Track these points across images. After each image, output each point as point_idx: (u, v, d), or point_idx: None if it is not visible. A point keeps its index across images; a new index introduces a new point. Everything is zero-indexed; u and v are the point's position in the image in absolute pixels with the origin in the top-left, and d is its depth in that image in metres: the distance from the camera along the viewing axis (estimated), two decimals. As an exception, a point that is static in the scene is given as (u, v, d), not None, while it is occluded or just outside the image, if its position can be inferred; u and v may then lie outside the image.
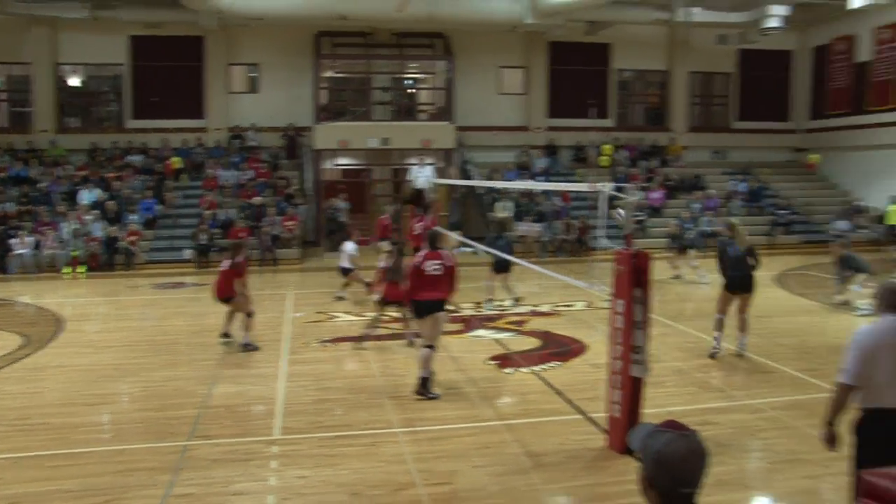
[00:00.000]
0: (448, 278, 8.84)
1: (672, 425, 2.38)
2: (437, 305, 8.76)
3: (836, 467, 6.03)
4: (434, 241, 9.14)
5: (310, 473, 6.44)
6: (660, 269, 15.56)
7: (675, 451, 2.29)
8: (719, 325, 10.33)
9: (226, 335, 11.32)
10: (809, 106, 29.40)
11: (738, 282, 10.15)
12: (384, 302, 11.29)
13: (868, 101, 26.14)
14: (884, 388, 4.42)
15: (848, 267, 13.75)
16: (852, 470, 4.46)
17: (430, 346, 8.72)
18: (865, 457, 4.37)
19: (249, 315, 11.16)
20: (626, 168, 26.32)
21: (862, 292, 13.19)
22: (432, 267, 8.80)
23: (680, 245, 17.95)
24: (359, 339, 11.24)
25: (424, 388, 8.60)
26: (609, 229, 16.49)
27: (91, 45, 24.94)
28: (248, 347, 11.00)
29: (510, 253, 13.81)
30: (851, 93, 27.07)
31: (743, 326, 10.28)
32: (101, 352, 11.15)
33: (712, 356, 10.20)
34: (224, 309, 11.44)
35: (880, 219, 24.52)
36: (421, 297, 8.78)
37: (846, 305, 13.68)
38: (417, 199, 17.25)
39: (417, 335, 10.63)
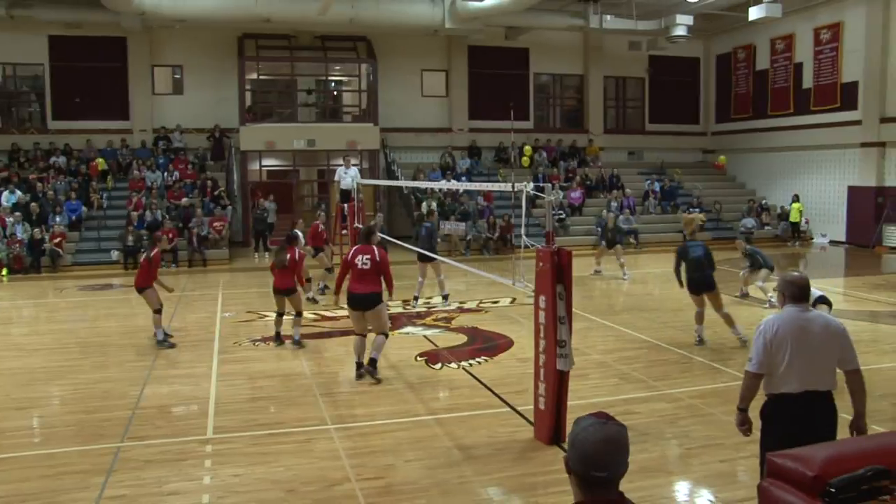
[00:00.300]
0: (376, 273, 8.97)
1: (599, 415, 2.45)
2: (369, 298, 8.94)
3: (749, 450, 6.26)
4: (368, 237, 9.29)
5: (244, 471, 6.35)
6: (582, 266, 15.85)
7: (591, 435, 2.36)
8: (699, 318, 10.69)
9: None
10: (715, 110, 30.38)
11: (701, 282, 10.45)
12: (275, 291, 11.12)
13: (769, 107, 27.16)
14: (787, 375, 4.59)
15: (754, 262, 14.22)
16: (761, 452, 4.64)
17: (384, 334, 9.13)
18: (772, 439, 4.54)
19: (156, 312, 11.16)
20: (546, 168, 26.71)
21: (765, 286, 13.71)
22: (361, 261, 8.96)
23: (609, 239, 17.85)
24: (276, 338, 11.07)
25: (373, 367, 8.98)
26: (531, 227, 16.72)
27: (8, 45, 23.93)
28: (163, 343, 11.00)
29: (432, 238, 13.86)
30: (753, 98, 28.09)
31: (729, 321, 10.53)
32: (29, 355, 10.78)
33: (698, 343, 10.61)
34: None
35: (781, 216, 25.53)
36: (351, 290, 9.02)
37: (747, 297, 14.17)
38: (346, 198, 17.21)
39: (301, 339, 10.85)
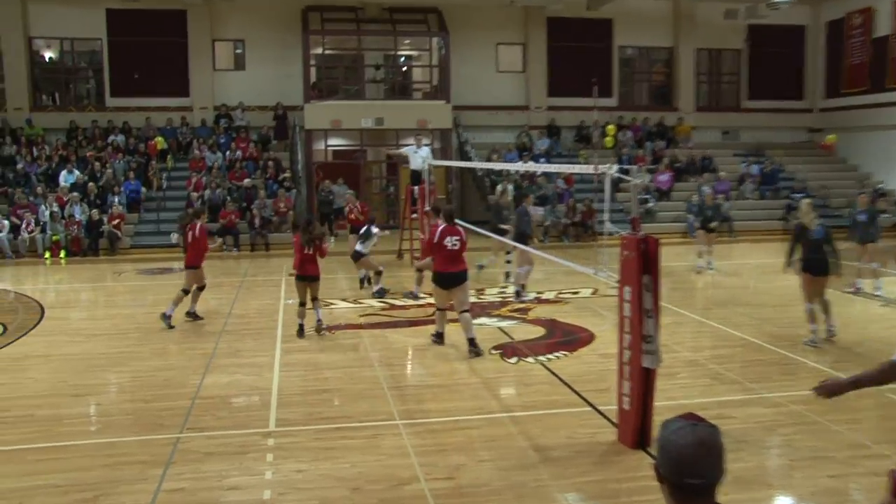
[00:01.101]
0: (462, 252, 10.08)
1: (689, 416, 2.40)
2: (459, 277, 10.03)
3: (864, 466, 6.04)
4: (451, 217, 10.34)
5: (307, 467, 6.45)
6: (671, 255, 15.50)
7: (681, 439, 2.30)
8: (813, 316, 10.30)
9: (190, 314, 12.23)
10: (824, 84, 29.32)
11: (818, 265, 10.16)
12: (298, 278, 11.30)
13: (889, 78, 26.01)
14: None
15: (866, 231, 13.65)
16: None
17: (467, 311, 10.03)
18: None
19: (185, 291, 12.05)
20: (632, 149, 26.33)
21: (877, 270, 13.38)
22: (451, 242, 10.00)
23: (708, 218, 17.05)
24: (300, 331, 11.14)
25: (474, 346, 9.84)
26: (615, 213, 16.45)
27: (65, 18, 24.73)
28: (167, 320, 11.72)
29: (526, 223, 13.78)
30: (870, 69, 26.92)
31: (826, 308, 10.31)
32: (87, 340, 11.17)
33: (810, 344, 10.22)
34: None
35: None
36: (443, 270, 10.08)
37: (859, 292, 13.69)
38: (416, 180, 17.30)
39: (330, 328, 11.28)
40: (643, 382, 6.72)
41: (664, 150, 26.69)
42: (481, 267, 15.48)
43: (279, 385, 8.81)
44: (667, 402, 7.29)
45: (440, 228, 10.23)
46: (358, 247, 14.10)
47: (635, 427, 6.73)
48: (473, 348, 9.84)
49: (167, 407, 8.05)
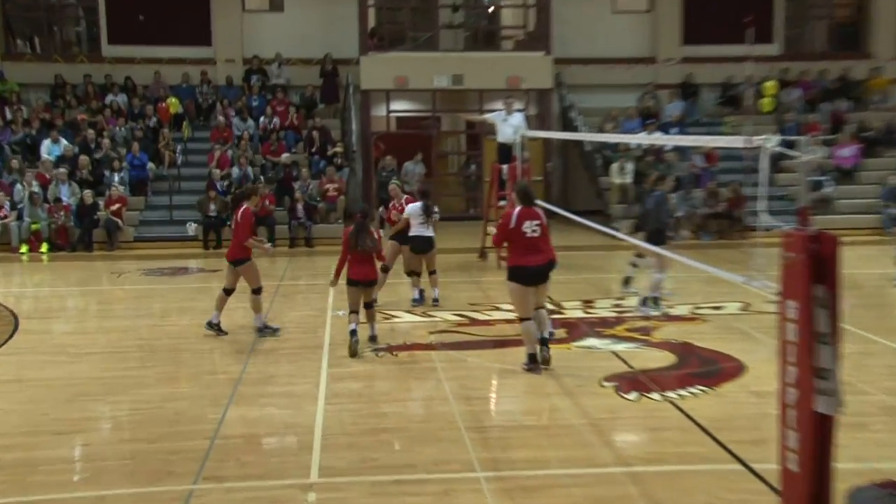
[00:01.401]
0: (546, 239, 10.30)
1: (888, 485, 2.29)
2: (546, 269, 10.26)
3: None
4: (528, 197, 10.44)
5: (360, 532, 6.48)
6: (858, 260, 15.11)
7: None
8: None
9: (213, 325, 12.37)
10: None
11: None
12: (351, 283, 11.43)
13: None
14: None
15: None
16: None
17: (543, 308, 10.50)
18: None
19: (254, 292, 12.22)
20: (800, 114, 25.90)
21: None
22: (531, 228, 10.14)
23: None
24: (353, 342, 11.22)
25: (546, 347, 10.38)
26: (775, 201, 16.03)
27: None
28: (266, 331, 12.22)
29: (664, 213, 13.57)
30: None
31: None
32: (74, 361, 11.33)
33: None
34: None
35: None
36: (524, 263, 10.16)
37: None
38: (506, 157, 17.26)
39: (390, 348, 11.45)
40: (817, 434, 6.51)
41: (848, 114, 26.16)
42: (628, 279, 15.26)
43: (324, 422, 8.82)
44: (853, 465, 7.02)
45: (516, 211, 10.35)
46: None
47: (807, 495, 6.51)
48: (544, 349, 10.29)
49: (177, 449, 8.11)
